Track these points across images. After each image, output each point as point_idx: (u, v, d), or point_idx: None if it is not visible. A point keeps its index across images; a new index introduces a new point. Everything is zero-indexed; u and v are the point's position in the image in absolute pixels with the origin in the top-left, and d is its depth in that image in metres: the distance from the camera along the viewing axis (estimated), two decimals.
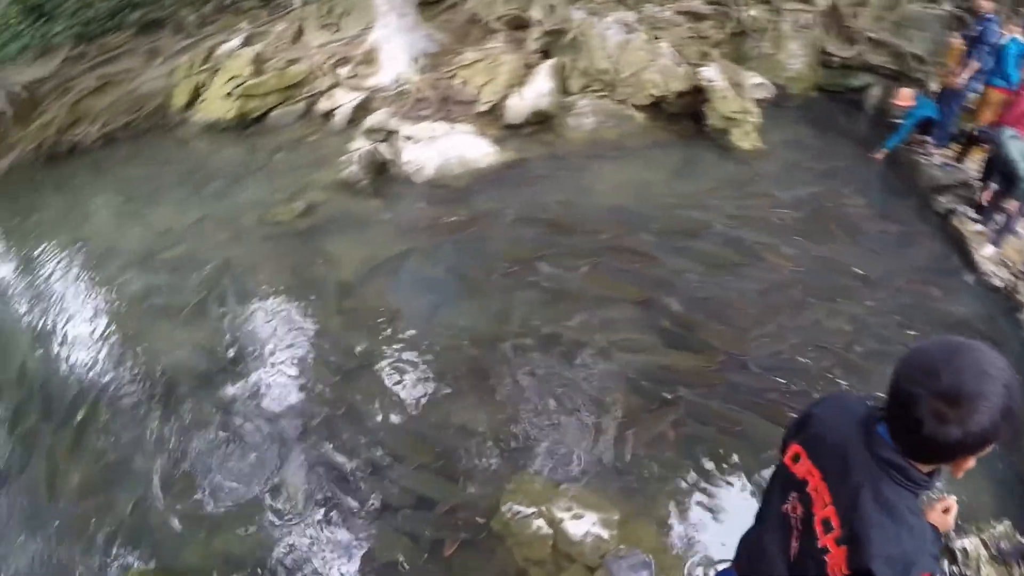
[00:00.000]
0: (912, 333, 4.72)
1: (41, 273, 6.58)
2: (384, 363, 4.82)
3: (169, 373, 5.05)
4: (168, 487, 4.27)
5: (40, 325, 5.93)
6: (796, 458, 1.63)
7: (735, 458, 3.97)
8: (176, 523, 4.07)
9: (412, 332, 5.04)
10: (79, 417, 4.85)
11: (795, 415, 1.85)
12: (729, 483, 3.87)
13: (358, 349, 4.98)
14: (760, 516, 1.83)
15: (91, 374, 5.25)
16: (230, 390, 4.84)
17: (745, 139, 6.63)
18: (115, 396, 4.99)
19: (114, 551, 4.00)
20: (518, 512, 3.73)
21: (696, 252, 5.39)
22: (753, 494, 3.78)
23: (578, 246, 5.57)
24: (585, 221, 5.81)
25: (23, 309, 6.21)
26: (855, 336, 4.66)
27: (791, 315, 4.84)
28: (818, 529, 1.47)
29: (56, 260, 6.71)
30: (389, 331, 5.08)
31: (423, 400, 4.53)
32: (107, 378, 5.17)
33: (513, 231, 5.85)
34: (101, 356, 5.39)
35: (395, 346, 4.94)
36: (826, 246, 5.47)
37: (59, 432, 4.80)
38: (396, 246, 5.88)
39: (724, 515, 3.72)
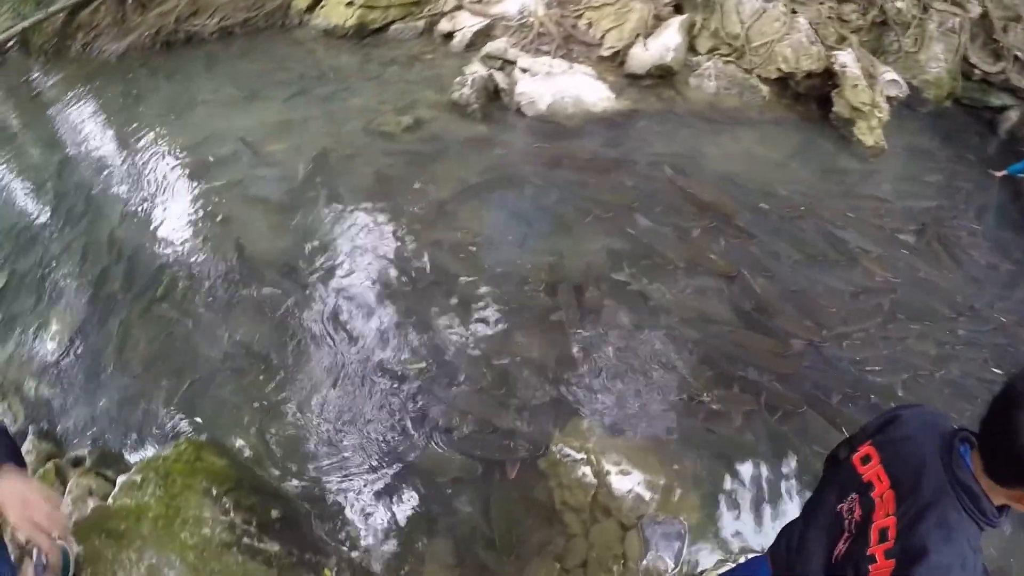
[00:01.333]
0: (999, 372, 4.24)
1: (142, 150, 6.60)
2: (460, 283, 4.67)
3: (250, 260, 5.02)
4: (230, 369, 4.29)
5: (134, 198, 5.96)
6: (866, 459, 1.51)
7: (788, 450, 3.70)
8: (232, 404, 4.09)
9: (493, 258, 4.85)
10: (158, 291, 4.89)
11: (857, 420, 1.66)
12: (778, 474, 3.61)
13: (438, 265, 4.83)
14: (809, 510, 1.72)
15: (175, 251, 5.26)
16: (306, 286, 4.79)
17: (869, 134, 5.97)
18: (195, 275, 5.00)
19: (168, 420, 4.07)
20: (568, 455, 3.60)
21: (795, 239, 4.96)
22: (798, 490, 3.53)
23: (681, 207, 5.20)
24: (692, 183, 5.40)
25: (120, 181, 6.24)
26: (939, 363, 4.22)
27: (876, 326, 4.41)
28: (873, 536, 1.35)
29: (158, 140, 6.71)
30: (471, 253, 4.91)
31: (492, 326, 4.38)
32: (190, 257, 5.18)
33: (617, 179, 5.49)
34: (188, 235, 5.40)
35: (473, 269, 4.77)
36: (929, 265, 4.94)
37: (136, 301, 4.86)
38: (495, 173, 5.63)
39: (765, 504, 3.49)
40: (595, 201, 5.25)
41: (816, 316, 4.43)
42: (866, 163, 5.86)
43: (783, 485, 3.58)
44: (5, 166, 6.92)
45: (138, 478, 3.10)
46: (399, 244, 5.05)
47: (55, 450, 3.99)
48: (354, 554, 3.33)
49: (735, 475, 3.61)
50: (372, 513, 3.50)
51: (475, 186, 5.48)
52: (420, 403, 3.95)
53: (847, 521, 1.47)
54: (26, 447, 3.91)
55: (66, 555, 2.73)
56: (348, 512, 3.51)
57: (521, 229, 5.07)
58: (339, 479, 3.65)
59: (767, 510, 3.49)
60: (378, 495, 3.57)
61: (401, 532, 3.42)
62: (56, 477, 3.62)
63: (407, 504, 3.52)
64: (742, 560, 3.29)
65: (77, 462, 3.79)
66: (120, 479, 3.17)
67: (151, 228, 5.55)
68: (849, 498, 1.49)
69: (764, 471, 3.63)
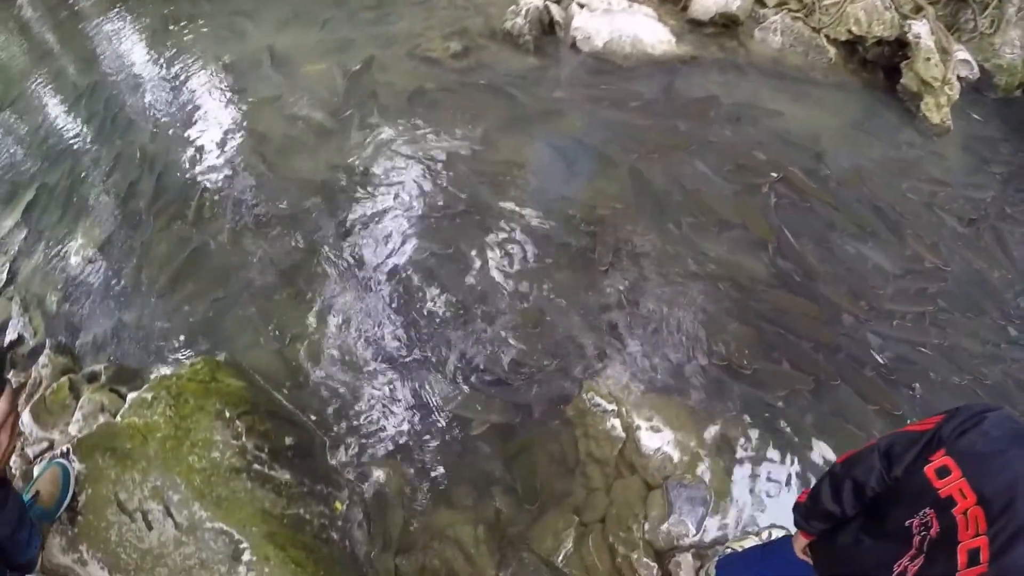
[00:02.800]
0: None
1: (177, 68, 6.02)
2: (497, 215, 4.27)
3: (282, 180, 4.61)
4: (255, 290, 3.95)
5: (166, 114, 5.47)
6: (943, 472, 1.29)
7: (825, 428, 3.36)
8: (254, 325, 3.75)
9: (532, 192, 4.42)
10: (186, 208, 4.49)
11: (918, 421, 1.45)
12: (811, 452, 3.27)
13: (476, 195, 4.41)
14: (868, 517, 1.54)
15: (206, 167, 4.83)
16: (337, 208, 4.39)
17: (936, 112, 5.37)
18: (225, 192, 4.58)
19: (188, 338, 3.75)
20: (598, 405, 3.26)
21: (849, 212, 4.47)
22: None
23: (733, 159, 4.69)
24: (747, 138, 4.89)
25: (154, 98, 5.71)
26: (982, 361, 3.79)
27: (921, 311, 3.98)
28: (961, 558, 1.18)
29: (194, 58, 6.11)
30: (510, 186, 4.47)
31: (528, 263, 4.00)
32: (221, 174, 4.74)
33: (669, 122, 4.96)
34: (219, 152, 4.95)
35: (513, 202, 4.36)
36: (981, 259, 4.43)
37: (163, 217, 4.48)
38: (543, 106, 5.11)
39: (795, 481, 3.17)
40: (644, 142, 4.75)
41: (858, 290, 4.02)
42: (929, 141, 5.27)
43: (817, 464, 3.24)
44: (40, 83, 6.42)
45: (149, 396, 2.81)
46: (437, 171, 4.61)
47: (72, 365, 3.72)
48: (367, 488, 3.06)
49: (768, 447, 3.28)
50: (390, 449, 3.22)
51: (521, 118, 4.98)
52: (451, 339, 3.62)
53: (918, 538, 1.29)
54: (42, 361, 3.66)
55: (66, 473, 2.45)
56: (365, 446, 3.23)
57: (563, 165, 4.61)
58: (359, 411, 3.36)
59: (796, 487, 3.18)
60: (398, 431, 3.29)
61: (419, 470, 3.14)
62: (69, 392, 3.36)
63: (427, 443, 3.24)
64: (765, 536, 3.00)
65: (92, 378, 3.52)
66: (130, 396, 2.88)
67: (182, 144, 5.11)
68: (922, 513, 1.30)
69: (798, 446, 3.30)
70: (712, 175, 4.54)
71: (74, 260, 4.38)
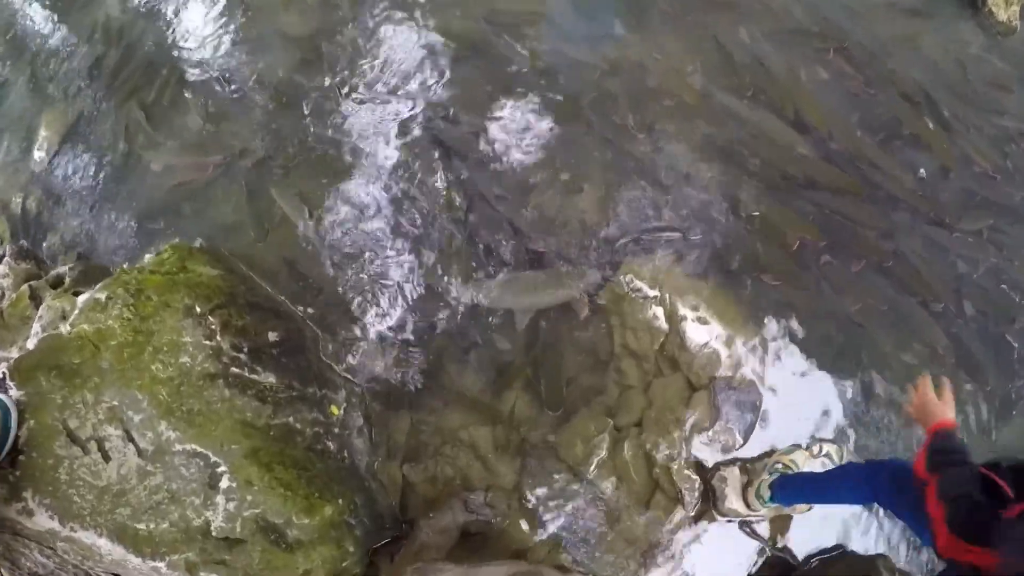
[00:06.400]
0: None
1: None
2: (513, 72, 3.40)
3: (269, 39, 3.67)
4: (240, 169, 3.21)
5: None
6: None
7: (888, 340, 2.80)
8: (237, 208, 3.07)
9: (555, 47, 3.54)
10: (158, 82, 3.66)
11: None
12: (870, 366, 2.74)
13: (487, 48, 3.50)
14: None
15: (183, 36, 3.85)
16: (334, 69, 3.53)
17: (1004, 8, 4.53)
18: (201, 60, 3.69)
19: (166, 225, 3.14)
20: (638, 289, 2.58)
21: (906, 106, 3.72)
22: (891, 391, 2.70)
23: (785, 25, 3.81)
24: (801, 6, 3.96)
25: None
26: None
27: (979, 227, 3.36)
28: None
29: None
30: (529, 38, 3.55)
31: (549, 125, 3.19)
32: (201, 41, 3.78)
33: None
34: (198, 12, 3.92)
35: (530, 57, 3.47)
36: None
37: (132, 94, 3.64)
38: None
39: (847, 396, 2.65)
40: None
41: (915, 187, 3.38)
42: (991, 40, 4.43)
43: (875, 380, 2.71)
44: None
45: (102, 296, 2.10)
46: (445, 20, 3.63)
47: (36, 271, 3.04)
48: (368, 386, 2.45)
49: (824, 349, 2.71)
50: (394, 342, 2.60)
51: None
52: (462, 215, 2.89)
53: None
54: (2, 271, 2.97)
55: (4, 410, 1.77)
56: (365, 339, 2.61)
57: (593, 18, 3.67)
58: (357, 300, 2.71)
59: (852, 398, 2.66)
60: (402, 322, 2.66)
61: (427, 365, 2.54)
62: (30, 301, 2.64)
63: (437, 334, 2.61)
64: (816, 450, 2.48)
65: (57, 282, 2.80)
66: (80, 299, 2.15)
67: (154, 9, 4.02)
68: None
69: (857, 353, 2.74)
70: (762, 40, 3.65)
71: (38, 156, 3.63)
